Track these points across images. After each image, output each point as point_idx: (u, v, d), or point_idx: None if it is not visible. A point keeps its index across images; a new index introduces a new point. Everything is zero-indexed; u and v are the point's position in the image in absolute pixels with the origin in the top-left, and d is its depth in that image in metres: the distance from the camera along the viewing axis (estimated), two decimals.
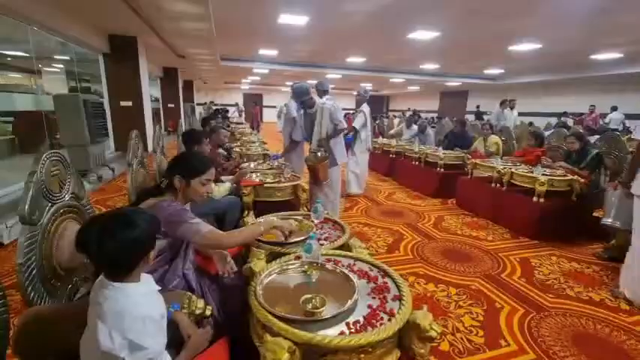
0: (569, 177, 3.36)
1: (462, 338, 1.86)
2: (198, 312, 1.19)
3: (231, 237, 1.33)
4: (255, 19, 5.59)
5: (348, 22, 5.57)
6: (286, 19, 5.40)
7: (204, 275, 1.46)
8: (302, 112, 3.48)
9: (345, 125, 3.30)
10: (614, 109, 8.82)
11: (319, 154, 3.15)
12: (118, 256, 0.81)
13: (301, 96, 3.21)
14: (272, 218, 1.76)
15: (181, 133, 2.81)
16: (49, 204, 1.21)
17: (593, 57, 8.10)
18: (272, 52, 8.97)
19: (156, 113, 9.47)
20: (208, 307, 1.23)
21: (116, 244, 0.80)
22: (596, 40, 6.45)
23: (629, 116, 9.10)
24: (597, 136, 4.64)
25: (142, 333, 0.79)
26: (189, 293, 1.23)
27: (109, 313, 0.78)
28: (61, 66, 7.90)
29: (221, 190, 2.43)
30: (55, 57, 7.07)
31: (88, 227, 0.82)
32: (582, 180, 3.36)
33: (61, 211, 1.28)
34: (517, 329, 1.95)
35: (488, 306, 2.17)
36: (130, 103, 6.14)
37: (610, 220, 2.68)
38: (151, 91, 8.18)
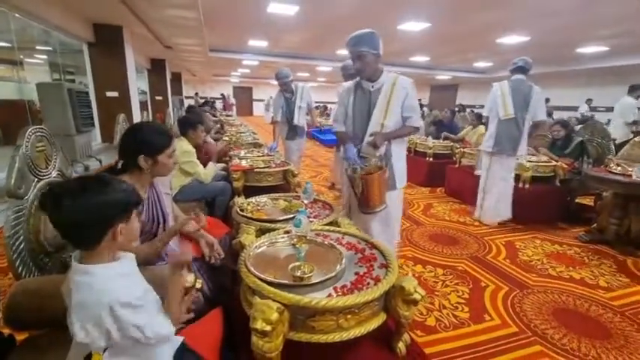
0: (553, 163, 3.45)
1: (448, 314, 1.92)
2: (187, 285, 1.20)
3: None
4: (244, 7, 5.52)
5: (338, 12, 5.55)
6: (276, 8, 5.35)
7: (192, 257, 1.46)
8: (351, 96, 2.05)
9: (422, 123, 2.08)
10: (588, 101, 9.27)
11: (373, 160, 1.86)
12: (76, 220, 0.75)
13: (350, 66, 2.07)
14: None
15: (178, 119, 2.78)
16: (36, 179, 1.20)
17: (579, 50, 8.25)
18: (262, 44, 8.88)
19: (144, 106, 9.31)
20: (198, 280, 1.24)
21: (75, 206, 0.74)
22: (582, 32, 6.57)
23: (609, 109, 9.35)
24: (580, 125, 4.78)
25: (119, 318, 0.74)
26: None
27: (76, 304, 0.75)
28: (44, 57, 7.68)
29: (209, 172, 2.42)
30: (38, 47, 6.87)
31: (51, 187, 0.77)
32: (565, 166, 3.47)
33: (48, 187, 1.27)
34: (501, 305, 2.02)
35: (474, 285, 2.24)
36: (116, 94, 6.02)
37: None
38: (138, 83, 8.04)
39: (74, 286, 0.77)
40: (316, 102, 4.84)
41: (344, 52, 9.70)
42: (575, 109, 10.35)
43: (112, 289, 0.77)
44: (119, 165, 1.27)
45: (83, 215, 0.75)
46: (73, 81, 8.27)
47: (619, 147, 3.74)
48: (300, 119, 3.83)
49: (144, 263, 1.20)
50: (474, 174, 3.77)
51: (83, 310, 0.74)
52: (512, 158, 3.16)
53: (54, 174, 1.31)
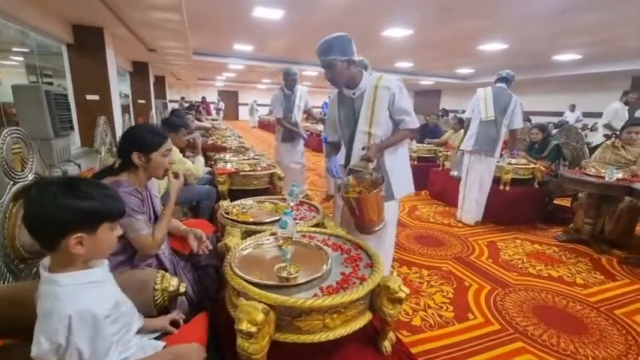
0: (532, 166, 3.58)
1: (433, 314, 1.95)
2: (171, 289, 1.18)
3: (155, 244, 1.25)
4: (229, 11, 5.51)
5: (323, 17, 5.60)
6: (261, 12, 5.36)
7: (178, 256, 1.45)
8: (336, 105, 1.92)
9: (418, 124, 1.87)
10: (572, 107, 9.55)
11: (367, 174, 1.70)
12: (32, 215, 0.74)
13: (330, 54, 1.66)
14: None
15: (161, 120, 2.75)
16: (11, 182, 1.16)
17: (554, 58, 8.60)
18: (247, 48, 8.86)
19: (126, 109, 9.10)
20: (182, 284, 1.23)
21: (36, 200, 0.73)
22: (557, 41, 6.86)
23: (586, 114, 9.75)
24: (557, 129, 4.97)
25: (72, 334, 0.69)
26: (161, 271, 1.22)
27: (40, 315, 0.72)
28: (21, 59, 7.43)
29: (199, 166, 2.38)
30: (14, 49, 6.64)
31: (35, 180, 0.77)
32: (543, 169, 3.60)
33: (24, 191, 1.23)
34: (484, 304, 2.07)
35: (458, 284, 2.28)
36: (96, 97, 5.87)
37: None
38: (120, 86, 7.85)
39: (40, 296, 0.74)
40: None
41: None
42: (552, 114, 10.75)
43: (78, 299, 0.73)
44: (116, 164, 1.30)
45: (38, 212, 0.73)
46: (51, 84, 8.03)
47: (592, 150, 3.92)
48: (298, 118, 3.75)
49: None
50: (450, 175, 4.03)
51: (45, 321, 0.71)
52: (491, 159, 3.33)
53: (30, 177, 1.27)
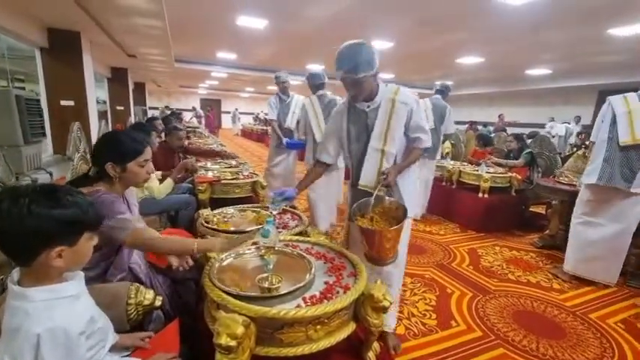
0: (509, 174, 3.70)
1: (416, 322, 1.94)
2: (146, 302, 1.12)
3: (163, 241, 1.17)
4: (212, 19, 5.49)
5: (306, 28, 5.67)
6: (245, 21, 5.37)
7: (155, 269, 1.38)
8: (344, 119, 1.66)
9: (430, 142, 1.67)
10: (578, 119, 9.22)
11: (386, 200, 1.49)
12: (4, 228, 0.67)
13: (355, 69, 1.44)
14: (214, 242, 1.23)
15: (129, 126, 2.66)
16: None
17: (527, 72, 9.02)
18: (230, 56, 8.83)
19: (103, 116, 8.82)
20: (158, 297, 1.17)
21: (8, 212, 0.66)
22: (528, 56, 7.21)
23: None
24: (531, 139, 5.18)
25: (41, 355, 0.64)
26: (136, 284, 1.16)
27: (6, 332, 0.67)
28: None
29: (163, 188, 2.30)
30: None
31: None
32: (519, 177, 3.72)
33: None
34: (466, 311, 2.08)
35: (441, 292, 2.30)
36: (71, 103, 5.64)
37: None
38: (97, 92, 7.62)
39: (7, 311, 0.68)
40: None
41: (314, 66, 9.88)
42: (526, 126, 11.15)
43: (51, 315, 0.68)
44: (91, 172, 1.21)
45: (13, 226, 0.67)
46: (23, 88, 7.71)
47: (565, 160, 4.10)
48: (292, 123, 3.74)
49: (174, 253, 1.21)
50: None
51: (11, 339, 0.65)
52: (433, 161, 3.80)
53: None
